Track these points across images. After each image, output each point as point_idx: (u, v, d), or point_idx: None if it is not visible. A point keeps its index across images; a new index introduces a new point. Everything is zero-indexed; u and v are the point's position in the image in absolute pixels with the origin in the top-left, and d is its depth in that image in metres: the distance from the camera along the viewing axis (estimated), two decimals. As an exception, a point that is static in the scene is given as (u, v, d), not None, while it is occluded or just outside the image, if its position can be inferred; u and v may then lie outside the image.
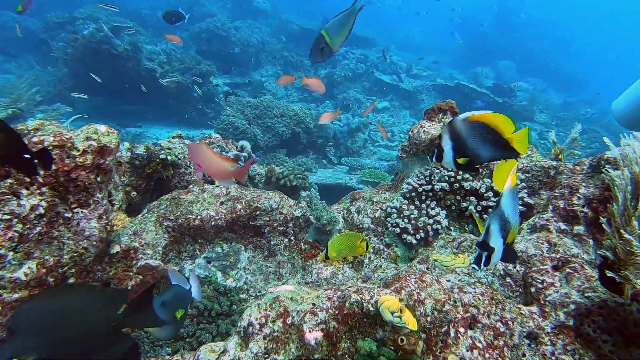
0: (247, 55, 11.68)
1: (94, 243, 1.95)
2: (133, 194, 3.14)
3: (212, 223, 2.75)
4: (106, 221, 2.01)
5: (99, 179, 1.96)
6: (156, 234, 2.70)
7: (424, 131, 2.80)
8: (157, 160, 3.19)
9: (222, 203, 2.84)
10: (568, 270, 1.95)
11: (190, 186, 2.99)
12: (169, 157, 3.21)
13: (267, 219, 2.91)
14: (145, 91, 8.53)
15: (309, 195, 2.86)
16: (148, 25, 13.26)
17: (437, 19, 18.78)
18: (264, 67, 12.00)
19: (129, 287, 2.23)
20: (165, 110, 9.49)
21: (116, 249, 2.28)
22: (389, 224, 2.74)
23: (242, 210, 2.82)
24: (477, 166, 1.70)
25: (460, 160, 1.57)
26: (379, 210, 2.83)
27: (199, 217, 2.72)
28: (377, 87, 11.62)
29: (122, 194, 2.12)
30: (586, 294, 1.81)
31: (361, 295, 1.62)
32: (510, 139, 1.48)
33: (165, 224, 2.71)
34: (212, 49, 11.40)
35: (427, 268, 2.43)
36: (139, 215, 2.91)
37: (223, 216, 2.77)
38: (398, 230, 2.69)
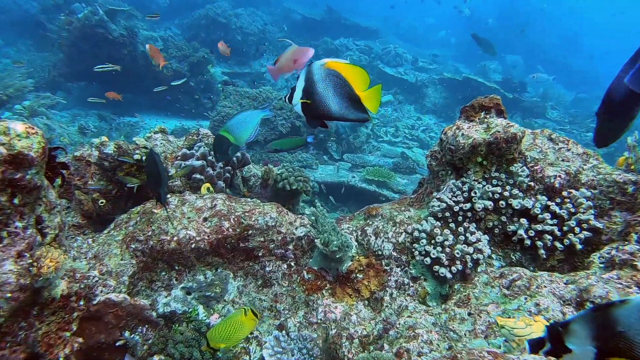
0: (247, 44, 10.91)
1: (9, 295, 1.31)
2: (101, 202, 2.49)
3: (193, 245, 2.09)
4: (30, 260, 1.37)
5: (16, 200, 1.31)
6: (122, 259, 2.05)
7: (462, 134, 2.14)
8: (131, 161, 2.53)
9: (205, 220, 2.18)
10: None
11: (168, 197, 2.33)
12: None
13: (262, 239, 2.26)
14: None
15: (315, 212, 2.20)
16: (149, 11, 12.45)
17: (445, 9, 17.93)
18: (264, 57, 11.24)
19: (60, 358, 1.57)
20: (162, 100, 8.79)
21: (57, 293, 1.62)
22: (416, 252, 2.09)
23: (231, 230, 2.17)
24: (327, 121, 1.53)
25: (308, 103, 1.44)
26: (403, 233, 2.17)
27: (175, 238, 2.07)
28: (380, 80, 10.88)
29: (59, 218, 1.48)
30: None
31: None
32: (362, 95, 1.39)
33: (133, 246, 2.06)
34: (212, 37, 10.63)
35: (470, 314, 1.80)
36: (104, 232, 2.26)
37: (206, 237, 2.12)
38: (428, 260, 2.04)
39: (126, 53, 8.19)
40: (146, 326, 1.96)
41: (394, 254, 2.14)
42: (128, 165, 2.54)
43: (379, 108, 1.48)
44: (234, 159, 3.06)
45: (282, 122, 7.04)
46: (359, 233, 2.29)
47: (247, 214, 2.25)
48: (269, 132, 7.00)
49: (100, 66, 5.91)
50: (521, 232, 2.03)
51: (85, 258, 2.05)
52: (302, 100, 1.47)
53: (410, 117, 10.13)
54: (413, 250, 2.11)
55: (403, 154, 8.18)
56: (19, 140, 1.26)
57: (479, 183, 2.10)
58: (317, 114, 1.47)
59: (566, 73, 15.18)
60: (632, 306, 0.89)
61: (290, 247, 2.30)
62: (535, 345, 1.03)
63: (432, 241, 2.06)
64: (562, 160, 2.18)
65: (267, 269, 2.27)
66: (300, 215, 2.44)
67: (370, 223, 2.30)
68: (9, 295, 1.29)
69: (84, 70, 8.37)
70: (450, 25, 19.33)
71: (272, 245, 2.28)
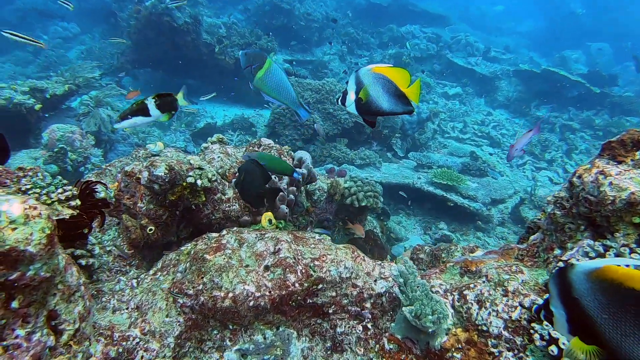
0: (310, 30, 10.38)
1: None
2: (150, 230, 2.13)
3: (251, 303, 1.67)
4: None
5: (14, 304, 0.93)
6: (167, 316, 1.67)
7: (610, 183, 1.53)
8: (183, 184, 2.15)
9: (267, 269, 1.75)
10: None
11: (224, 234, 1.92)
12: (200, 182, 2.15)
13: (333, 294, 1.80)
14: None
15: (403, 272, 1.70)
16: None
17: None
18: (327, 44, 10.67)
19: None
20: (224, 87, 8.54)
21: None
22: (536, 335, 1.54)
23: (297, 284, 1.72)
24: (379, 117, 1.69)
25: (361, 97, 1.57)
26: (518, 307, 1.62)
27: (230, 294, 1.66)
28: (449, 70, 10.01)
29: (81, 306, 1.10)
30: None
31: None
32: (406, 91, 1.54)
33: (181, 301, 1.67)
34: (275, 23, 10.20)
35: None
36: (150, 272, 1.90)
37: (268, 293, 1.69)
38: (554, 351, 1.48)
39: (189, 40, 7.97)
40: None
41: (505, 333, 1.60)
42: (180, 187, 2.16)
43: (419, 100, 1.58)
44: (299, 177, 2.61)
45: (345, 116, 6.52)
46: (456, 297, 1.76)
47: (316, 262, 1.80)
48: (332, 126, 6.52)
49: None
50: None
51: (127, 309, 1.69)
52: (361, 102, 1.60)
53: (480, 111, 9.23)
54: (531, 330, 1.56)
55: (473, 153, 7.41)
56: (14, 229, 0.87)
57: (632, 252, 1.50)
58: (371, 111, 1.62)
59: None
60: (578, 271, 0.89)
61: (368, 304, 1.83)
62: (538, 310, 1.05)
63: (564, 326, 1.49)
64: None
65: (339, 329, 1.81)
66: (379, 263, 1.95)
67: (471, 286, 1.76)
68: None
69: (149, 57, 8.29)
70: (523, 10, 17.61)
71: (346, 301, 1.82)
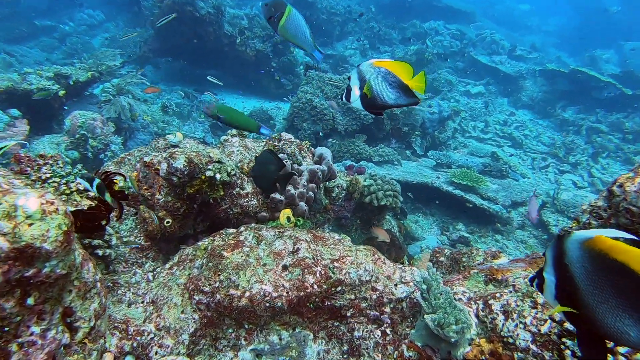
0: (332, 24, 10.25)
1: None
2: (167, 222, 2.10)
3: (268, 304, 1.62)
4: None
5: (30, 300, 0.89)
6: (182, 312, 1.63)
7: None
8: (202, 177, 2.11)
9: (285, 268, 1.70)
10: None
11: (242, 230, 1.87)
12: (219, 175, 2.11)
13: (352, 297, 1.74)
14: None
15: (426, 279, 1.63)
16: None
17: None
18: (349, 39, 10.53)
19: None
20: (244, 78, 8.51)
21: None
22: (567, 350, 1.46)
23: (316, 286, 1.67)
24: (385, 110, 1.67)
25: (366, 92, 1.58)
26: (548, 321, 1.54)
27: (247, 293, 1.61)
28: (472, 69, 9.78)
29: (97, 303, 1.06)
30: None
31: None
32: (409, 83, 1.54)
33: (197, 298, 1.63)
34: (297, 16, 10.08)
35: None
36: (166, 266, 1.87)
37: (285, 293, 1.64)
38: (587, 369, 1.40)
39: (211, 31, 7.95)
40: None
41: (533, 347, 1.52)
42: (199, 180, 2.12)
43: (425, 90, 1.59)
44: (320, 173, 2.54)
45: (365, 112, 6.41)
46: (481, 306, 1.68)
47: (336, 263, 1.74)
48: (352, 121, 6.42)
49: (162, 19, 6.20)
50: None
51: (142, 303, 1.66)
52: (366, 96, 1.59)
53: (503, 111, 9.00)
54: (562, 347, 1.48)
55: (494, 154, 7.24)
56: (30, 225, 0.83)
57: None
58: (377, 105, 1.61)
59: None
60: (574, 239, 0.92)
61: (387, 309, 1.76)
62: (532, 279, 1.05)
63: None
64: None
65: (357, 333, 1.76)
66: (400, 267, 1.88)
67: (497, 295, 1.67)
68: None
69: (171, 47, 8.31)
70: (551, 7, 17.09)
71: (365, 305, 1.76)
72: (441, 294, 1.60)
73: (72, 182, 1.41)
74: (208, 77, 6.28)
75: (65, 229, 0.90)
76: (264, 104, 8.24)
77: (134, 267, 1.93)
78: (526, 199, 6.03)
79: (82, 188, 1.40)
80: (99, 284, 1.12)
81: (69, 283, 1.01)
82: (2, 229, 0.80)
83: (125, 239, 2.05)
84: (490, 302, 1.67)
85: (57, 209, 0.89)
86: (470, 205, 5.48)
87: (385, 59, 1.58)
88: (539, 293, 1.08)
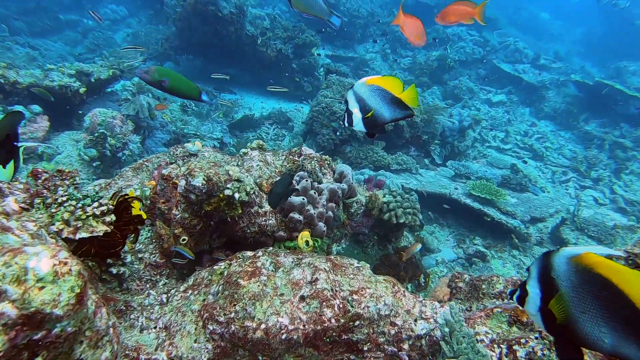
0: (354, 26, 10.14)
1: None
2: (183, 240, 2.05)
3: (284, 337, 1.56)
4: None
5: None
6: (195, 341, 1.58)
7: None
8: (220, 195, 2.05)
9: (302, 299, 1.63)
10: None
11: (259, 255, 1.81)
12: (237, 195, 2.05)
13: (370, 331, 1.67)
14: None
15: (449, 321, 1.54)
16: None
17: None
18: (370, 42, 10.40)
19: None
20: (262, 78, 8.46)
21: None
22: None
23: (333, 320, 1.60)
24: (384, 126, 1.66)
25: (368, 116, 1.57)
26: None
27: (262, 326, 1.55)
28: (494, 76, 9.57)
29: (109, 351, 1.01)
30: None
31: None
32: (401, 97, 1.56)
33: (211, 327, 1.58)
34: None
35: None
36: (181, 288, 1.82)
37: (302, 326, 1.57)
38: None
39: (232, 30, 7.91)
40: None
41: (563, 402, 1.43)
42: (217, 199, 2.07)
43: (419, 102, 1.62)
44: (340, 192, 2.46)
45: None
46: (504, 350, 1.59)
47: (355, 295, 1.66)
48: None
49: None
50: None
51: (155, 328, 1.61)
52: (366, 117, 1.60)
53: (524, 121, 8.80)
54: (593, 403, 1.39)
55: (514, 166, 7.07)
56: (41, 289, 0.78)
57: None
58: (377, 123, 1.61)
59: None
60: (562, 254, 0.99)
61: (406, 346, 1.69)
62: (512, 292, 1.11)
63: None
64: None
65: (372, 369, 1.68)
66: (421, 301, 1.80)
67: (522, 341, 1.58)
68: None
69: (192, 45, 8.31)
70: (577, 15, 16.66)
71: (382, 339, 1.69)
72: (464, 338, 1.51)
73: (89, 205, 1.36)
74: (212, 75, 6.18)
75: (79, 290, 0.85)
76: (282, 105, 8.18)
77: (147, 286, 1.89)
78: (546, 215, 5.87)
79: (98, 212, 1.35)
80: (111, 330, 1.07)
81: (80, 335, 0.96)
82: (10, 295, 0.75)
83: (140, 255, 2.01)
84: (514, 347, 1.58)
85: (70, 269, 0.83)
86: (489, 219, 5.35)
87: (374, 76, 1.60)
88: (519, 306, 1.13)
